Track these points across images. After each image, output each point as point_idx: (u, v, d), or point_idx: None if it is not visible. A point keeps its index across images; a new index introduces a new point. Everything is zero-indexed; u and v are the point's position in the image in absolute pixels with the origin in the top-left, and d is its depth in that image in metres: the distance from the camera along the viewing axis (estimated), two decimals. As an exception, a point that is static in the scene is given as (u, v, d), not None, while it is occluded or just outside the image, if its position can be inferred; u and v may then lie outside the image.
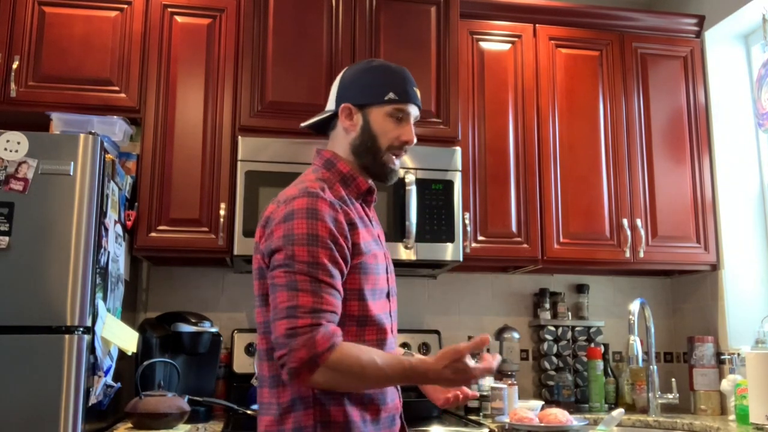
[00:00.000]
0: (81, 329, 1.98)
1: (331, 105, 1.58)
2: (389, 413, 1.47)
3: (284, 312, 1.31)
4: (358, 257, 1.42)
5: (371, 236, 1.50)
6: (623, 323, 3.14)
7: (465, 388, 1.58)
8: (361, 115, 1.53)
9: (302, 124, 1.64)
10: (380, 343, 1.45)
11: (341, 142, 1.55)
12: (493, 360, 1.40)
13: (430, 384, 1.43)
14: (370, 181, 1.56)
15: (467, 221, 2.70)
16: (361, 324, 1.43)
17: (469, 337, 2.88)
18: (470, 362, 1.37)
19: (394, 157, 1.55)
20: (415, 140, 1.55)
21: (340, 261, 1.38)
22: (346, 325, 1.40)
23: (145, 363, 2.31)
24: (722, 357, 2.82)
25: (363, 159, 1.53)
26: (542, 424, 2.22)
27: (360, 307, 1.43)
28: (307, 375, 1.29)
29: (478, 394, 1.76)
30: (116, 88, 2.59)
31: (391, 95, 1.51)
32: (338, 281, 1.37)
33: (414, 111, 1.56)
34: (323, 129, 1.62)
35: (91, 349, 2.01)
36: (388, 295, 1.52)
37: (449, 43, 2.75)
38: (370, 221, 1.56)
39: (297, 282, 1.33)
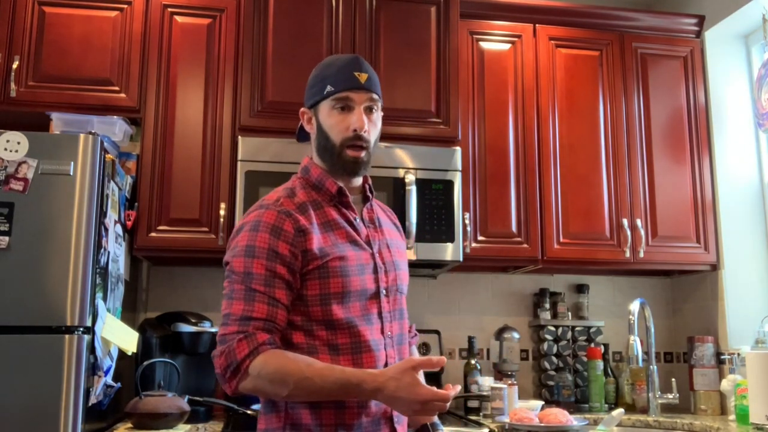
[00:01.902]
0: (81, 329, 1.98)
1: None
2: (372, 417, 1.42)
3: (222, 320, 1.39)
4: (314, 262, 1.40)
5: (344, 238, 1.46)
6: (623, 323, 3.14)
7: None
8: (313, 116, 1.53)
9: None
10: (356, 345, 1.42)
11: (312, 146, 1.56)
12: (452, 390, 1.33)
13: (374, 398, 1.34)
14: (348, 183, 1.53)
15: (467, 221, 2.70)
16: (329, 327, 1.41)
17: (470, 338, 2.88)
18: (422, 380, 1.33)
19: (349, 150, 1.48)
20: (365, 126, 1.47)
21: (281, 269, 1.38)
22: (314, 330, 1.41)
23: (145, 363, 2.31)
24: (722, 357, 2.82)
25: (325, 160, 1.51)
26: (542, 424, 2.22)
27: (323, 311, 1.41)
28: (232, 381, 1.34)
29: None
30: (116, 88, 2.59)
31: (329, 88, 1.48)
32: (278, 290, 1.38)
33: (360, 96, 1.48)
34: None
35: (91, 349, 2.01)
36: (377, 295, 1.47)
37: (449, 43, 2.75)
38: (351, 222, 1.51)
39: (234, 291, 1.39)
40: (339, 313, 1.41)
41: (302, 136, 1.63)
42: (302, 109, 1.56)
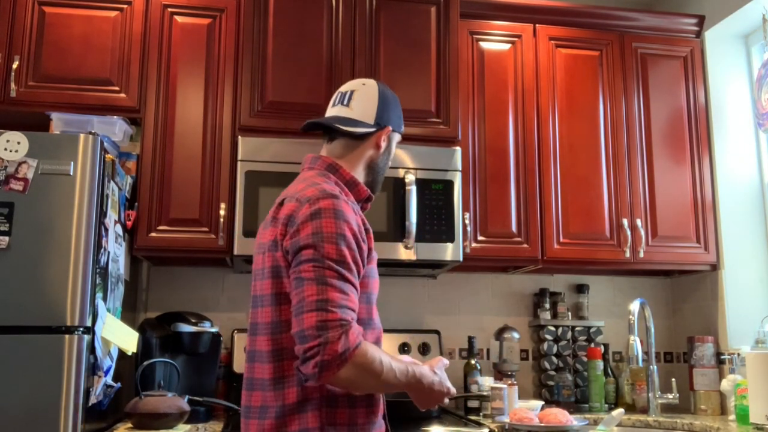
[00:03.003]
0: (81, 329, 1.98)
1: (363, 116, 1.60)
2: (381, 413, 1.50)
3: (314, 305, 1.31)
4: (369, 262, 1.47)
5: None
6: (623, 323, 3.14)
7: None
8: (388, 139, 1.65)
9: (343, 128, 1.57)
10: (377, 345, 1.49)
11: (359, 154, 1.61)
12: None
13: (419, 392, 1.47)
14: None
15: (467, 221, 2.70)
16: (366, 326, 1.45)
17: (470, 338, 2.88)
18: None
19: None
20: None
21: (360, 262, 1.42)
22: None
23: (145, 363, 2.31)
24: (722, 357, 2.82)
25: (372, 175, 1.63)
26: (542, 424, 2.22)
27: (366, 310, 1.47)
28: (335, 369, 1.29)
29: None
30: (116, 88, 2.59)
31: (403, 128, 1.71)
32: (357, 282, 1.40)
33: None
34: (327, 130, 1.63)
35: (91, 349, 2.01)
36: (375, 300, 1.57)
37: (449, 43, 2.75)
38: None
39: (326, 277, 1.34)
40: (373, 312, 1.49)
41: (320, 129, 1.63)
42: (389, 127, 1.63)
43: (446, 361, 1.54)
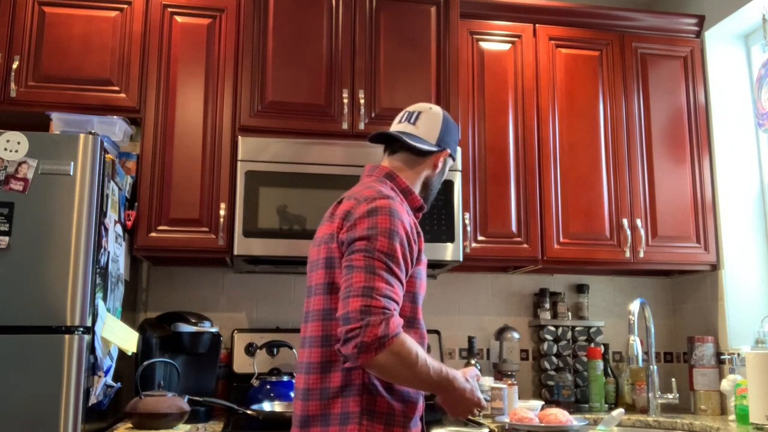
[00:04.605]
0: (81, 329, 1.98)
1: (427, 136, 1.71)
2: (418, 413, 1.56)
3: (360, 290, 1.40)
4: (419, 264, 1.56)
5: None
6: (623, 323, 3.14)
7: None
8: (444, 161, 1.76)
9: (409, 141, 1.67)
10: (420, 345, 1.53)
11: (418, 170, 1.71)
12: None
13: (450, 395, 1.54)
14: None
15: (467, 221, 2.70)
16: (409, 325, 1.53)
17: (470, 338, 2.88)
18: None
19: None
20: None
21: (409, 260, 1.50)
22: None
23: (145, 363, 2.31)
24: (722, 357, 2.82)
25: (425, 193, 1.74)
26: (542, 424, 2.22)
27: (411, 309, 1.55)
28: (373, 353, 1.36)
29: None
30: (116, 88, 2.59)
31: (458, 155, 1.81)
32: (404, 277, 1.49)
33: None
34: (387, 142, 1.74)
35: (91, 349, 2.01)
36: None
37: (449, 43, 2.75)
38: None
39: (375, 267, 1.43)
40: (418, 312, 1.57)
41: (383, 141, 1.74)
42: (448, 150, 1.73)
43: (479, 373, 1.64)
